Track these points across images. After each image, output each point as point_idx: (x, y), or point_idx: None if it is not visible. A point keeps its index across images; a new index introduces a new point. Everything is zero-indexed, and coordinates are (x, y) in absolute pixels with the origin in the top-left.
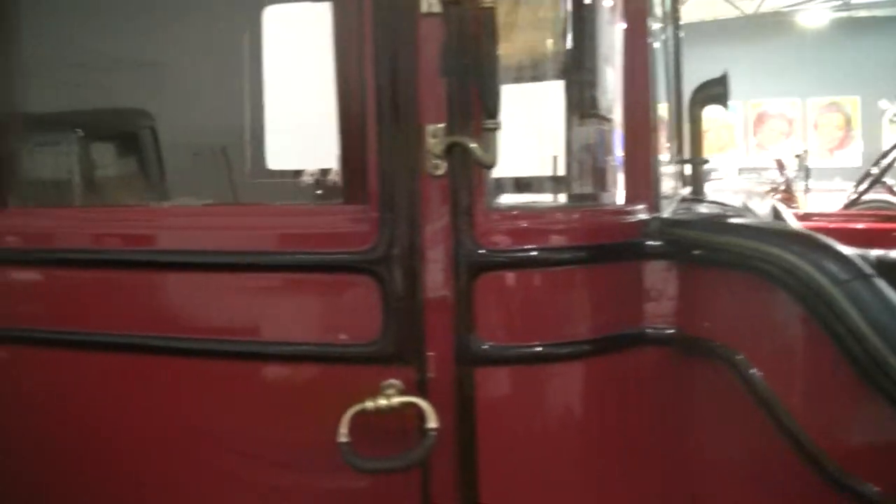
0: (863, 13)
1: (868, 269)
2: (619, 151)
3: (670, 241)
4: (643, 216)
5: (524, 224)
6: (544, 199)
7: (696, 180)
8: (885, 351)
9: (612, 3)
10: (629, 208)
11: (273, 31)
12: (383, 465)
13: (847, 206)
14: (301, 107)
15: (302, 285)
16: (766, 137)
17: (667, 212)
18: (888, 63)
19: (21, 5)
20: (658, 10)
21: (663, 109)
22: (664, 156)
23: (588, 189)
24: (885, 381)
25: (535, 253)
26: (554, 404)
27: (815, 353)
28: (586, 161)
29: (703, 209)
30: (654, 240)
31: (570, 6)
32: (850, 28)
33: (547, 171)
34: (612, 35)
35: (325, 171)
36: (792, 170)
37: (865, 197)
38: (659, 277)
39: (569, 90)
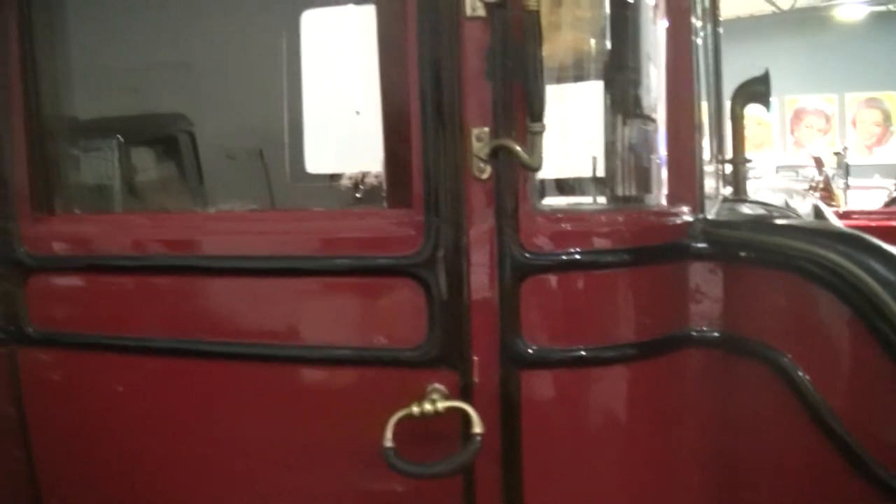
0: None
1: None
2: (662, 151)
3: (715, 243)
4: (688, 217)
5: (569, 227)
6: (588, 200)
7: (738, 180)
8: None
9: (653, 2)
10: (674, 210)
11: (311, 34)
12: (428, 470)
13: (888, 204)
14: (340, 111)
15: (347, 289)
16: (803, 134)
17: (710, 212)
18: None
19: (65, 13)
20: (698, 7)
21: (703, 107)
22: (706, 154)
23: (632, 190)
24: None
25: (579, 256)
26: (599, 408)
27: (861, 354)
28: (630, 161)
29: (746, 209)
30: (698, 241)
31: (610, 5)
32: (888, 22)
33: (590, 172)
34: (655, 34)
35: (363, 175)
36: (830, 167)
37: None
38: (704, 279)
39: (611, 90)
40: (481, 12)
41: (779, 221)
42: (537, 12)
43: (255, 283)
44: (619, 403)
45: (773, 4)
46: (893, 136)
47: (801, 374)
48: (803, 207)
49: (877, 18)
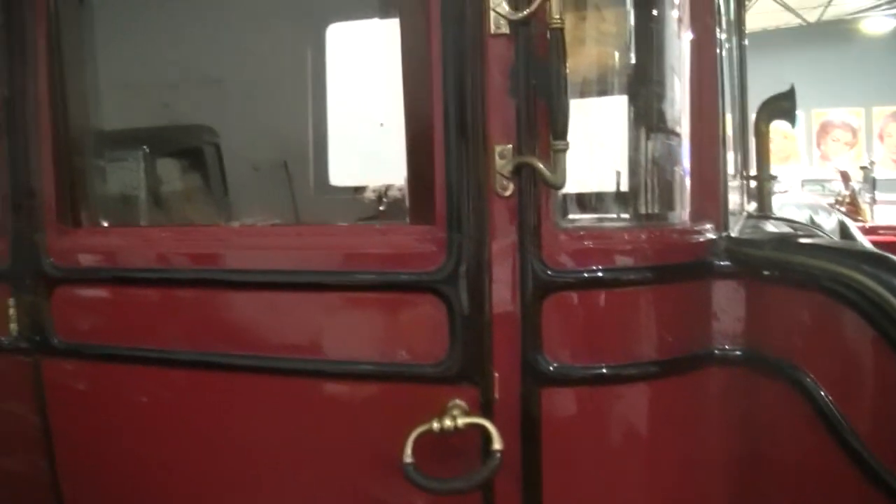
0: None
1: None
2: (686, 167)
3: (738, 261)
4: (711, 235)
5: (591, 244)
6: (611, 216)
7: (763, 196)
8: None
9: (677, 16)
10: (697, 227)
11: (337, 48)
12: (447, 486)
13: None
14: (364, 124)
15: (369, 305)
16: (830, 148)
17: (734, 229)
18: None
19: (92, 26)
20: (723, 20)
21: (728, 121)
22: (730, 170)
23: (655, 207)
24: None
25: (601, 273)
26: (620, 426)
27: (885, 375)
28: (653, 177)
29: (770, 226)
30: (722, 259)
31: (635, 19)
32: None
33: (613, 188)
34: (679, 49)
35: (387, 188)
36: (857, 181)
37: None
38: (727, 297)
39: (634, 104)
40: (505, 29)
41: (802, 240)
42: (561, 30)
43: (278, 297)
44: (641, 422)
45: (800, 17)
46: None
47: (823, 393)
48: (828, 223)
49: None
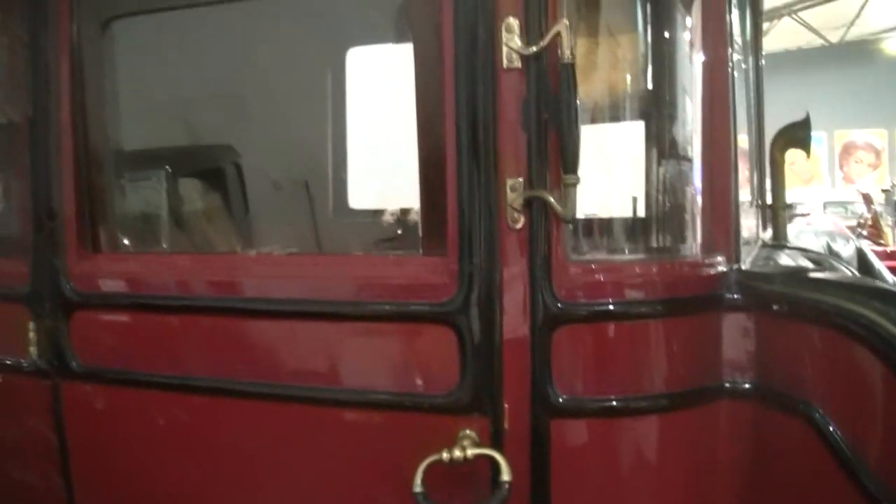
0: None
1: None
2: (698, 199)
3: (749, 294)
4: (722, 268)
5: (602, 277)
6: (621, 247)
7: (778, 225)
8: None
9: (688, 48)
10: (708, 260)
11: (357, 71)
12: None
13: None
14: (383, 147)
15: (381, 334)
16: (852, 169)
17: (747, 260)
18: None
19: (115, 51)
20: (737, 45)
21: (744, 142)
22: (745, 194)
23: (666, 238)
24: None
25: (612, 306)
26: (629, 458)
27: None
28: (664, 209)
29: (784, 257)
30: (732, 292)
31: (643, 50)
32: None
33: (625, 216)
34: (691, 79)
35: (405, 211)
36: (879, 203)
37: None
38: (737, 330)
39: (647, 131)
40: (517, 64)
41: (813, 275)
42: (572, 65)
43: (292, 325)
44: (650, 454)
45: (822, 37)
46: None
47: (833, 428)
48: (846, 251)
49: None
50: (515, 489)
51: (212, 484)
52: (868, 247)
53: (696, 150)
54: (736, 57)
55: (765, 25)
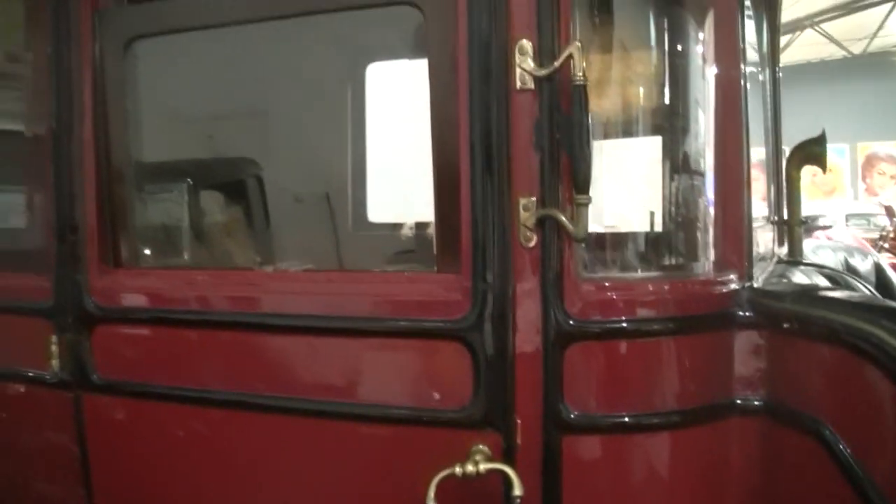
0: None
1: None
2: (710, 216)
3: (760, 312)
4: (734, 286)
5: (614, 295)
6: (634, 262)
7: (794, 242)
8: None
9: (701, 69)
10: (720, 278)
11: (376, 86)
12: None
13: None
14: (402, 162)
15: (396, 350)
16: (875, 181)
17: (760, 276)
18: None
19: (136, 70)
20: (755, 54)
21: (761, 154)
22: (761, 207)
23: (679, 256)
24: None
25: (624, 324)
26: (641, 475)
27: None
28: (678, 224)
29: (798, 274)
30: (744, 310)
31: (657, 62)
32: None
33: (637, 234)
34: (704, 93)
35: (422, 225)
36: None
37: None
38: (749, 348)
39: (662, 148)
40: (530, 85)
41: (823, 293)
42: (584, 86)
43: (308, 341)
44: (662, 470)
45: (845, 49)
46: None
47: (842, 446)
48: (864, 266)
49: None
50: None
51: (228, 495)
52: (890, 260)
53: (708, 167)
54: (751, 70)
55: (787, 37)
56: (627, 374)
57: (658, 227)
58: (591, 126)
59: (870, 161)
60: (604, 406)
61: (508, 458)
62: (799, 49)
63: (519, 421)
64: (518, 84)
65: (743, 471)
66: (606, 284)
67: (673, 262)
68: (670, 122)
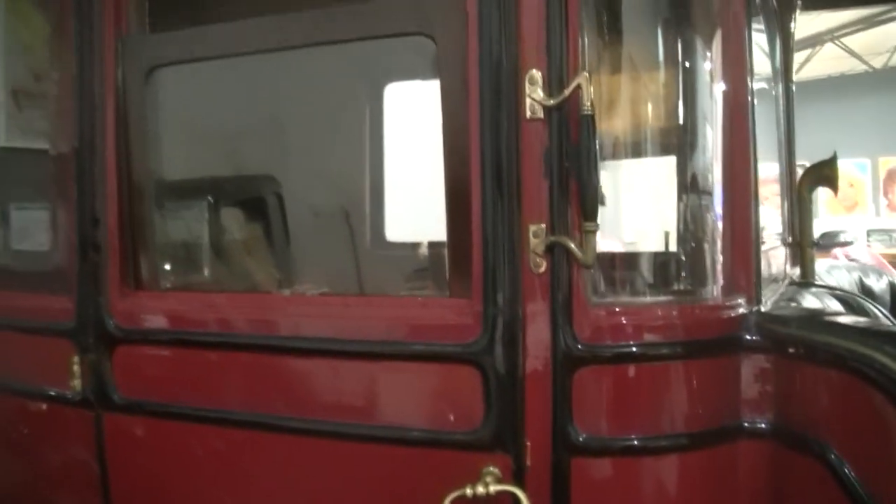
0: None
1: None
2: (718, 240)
3: (767, 336)
4: (742, 310)
5: (623, 320)
6: (643, 286)
7: (806, 263)
8: None
9: (709, 92)
10: (729, 302)
11: (394, 107)
12: None
13: None
14: (419, 181)
15: (409, 374)
16: None
17: (770, 299)
18: None
19: (158, 95)
20: (769, 70)
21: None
22: (776, 226)
23: (688, 278)
24: None
25: (633, 349)
26: (649, 498)
27: None
28: (686, 248)
29: (808, 297)
30: (752, 334)
31: (665, 83)
32: None
33: (646, 259)
34: (712, 114)
35: (435, 245)
36: None
37: None
38: (756, 372)
39: (672, 167)
40: (540, 114)
41: (828, 318)
42: (592, 116)
43: (324, 363)
44: (670, 493)
45: (866, 63)
46: None
47: (847, 470)
48: (878, 286)
49: None
50: None
51: None
52: None
53: (716, 191)
54: (762, 86)
55: (807, 52)
56: (636, 398)
57: (672, 248)
58: (604, 148)
59: (891, 176)
60: (613, 429)
61: (518, 479)
62: (819, 63)
63: (529, 443)
64: (528, 114)
65: (750, 493)
66: (616, 309)
67: (682, 286)
68: (682, 142)
